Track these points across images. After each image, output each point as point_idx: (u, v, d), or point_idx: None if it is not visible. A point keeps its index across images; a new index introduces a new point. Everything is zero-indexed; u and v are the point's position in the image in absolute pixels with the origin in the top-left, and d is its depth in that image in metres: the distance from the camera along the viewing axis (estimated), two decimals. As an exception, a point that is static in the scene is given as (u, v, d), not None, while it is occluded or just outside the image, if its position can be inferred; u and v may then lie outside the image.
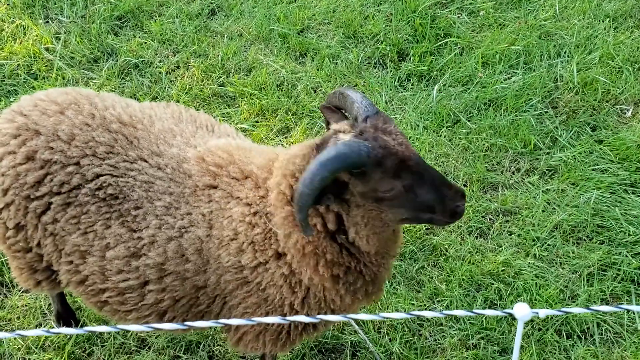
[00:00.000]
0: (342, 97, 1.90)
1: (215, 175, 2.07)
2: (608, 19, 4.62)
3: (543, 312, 1.18)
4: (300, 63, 4.43)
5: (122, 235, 2.08)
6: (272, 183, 1.93)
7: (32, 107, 2.19)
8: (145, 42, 4.47)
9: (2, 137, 2.17)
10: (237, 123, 3.92)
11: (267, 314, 2.07)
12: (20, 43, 4.36)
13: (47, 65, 4.24)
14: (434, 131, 3.92)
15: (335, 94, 1.94)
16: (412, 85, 4.22)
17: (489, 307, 3.07)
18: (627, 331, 2.95)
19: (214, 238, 2.03)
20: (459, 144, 3.83)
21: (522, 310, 1.16)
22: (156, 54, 4.40)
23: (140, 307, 2.14)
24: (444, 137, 3.88)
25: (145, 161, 2.10)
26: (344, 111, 1.95)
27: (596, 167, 3.65)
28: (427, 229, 3.39)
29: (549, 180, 3.63)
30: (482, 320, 3.00)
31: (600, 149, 3.74)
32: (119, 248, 2.09)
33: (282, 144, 3.82)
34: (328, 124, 1.96)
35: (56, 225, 2.12)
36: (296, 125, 3.93)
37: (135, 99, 4.01)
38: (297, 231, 1.86)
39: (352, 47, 4.49)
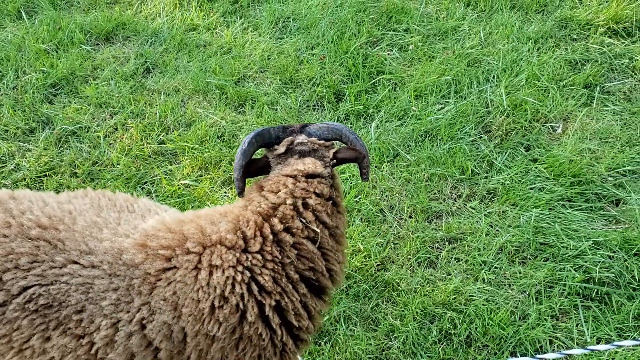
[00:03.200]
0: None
1: (168, 257, 1.99)
2: (530, 41, 4.84)
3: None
4: (240, 112, 4.47)
5: (67, 344, 1.91)
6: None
7: None
8: (82, 108, 4.45)
9: None
10: (179, 179, 3.91)
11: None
12: (-48, 121, 4.28)
13: (-20, 141, 4.17)
14: (375, 166, 3.99)
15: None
16: (351, 124, 4.31)
17: (445, 338, 3.09)
18: (577, 344, 3.01)
19: (187, 316, 1.94)
20: (400, 177, 3.90)
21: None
22: (93, 119, 4.37)
23: None
24: (386, 171, 3.95)
25: (77, 263, 1.95)
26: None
27: (533, 185, 3.77)
28: (378, 265, 3.43)
29: (490, 203, 3.73)
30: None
31: (536, 167, 3.88)
32: (68, 359, 1.93)
33: (227, 196, 3.83)
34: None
35: None
36: (240, 175, 3.94)
37: (75, 166, 3.98)
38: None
39: (290, 92, 4.57)
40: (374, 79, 4.63)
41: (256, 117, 4.38)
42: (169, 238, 2.01)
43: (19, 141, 4.20)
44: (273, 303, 1.99)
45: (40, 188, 3.87)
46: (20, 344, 1.92)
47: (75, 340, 1.90)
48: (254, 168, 2.13)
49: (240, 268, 1.96)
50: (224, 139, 4.23)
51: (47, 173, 3.95)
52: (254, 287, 1.96)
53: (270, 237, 2.00)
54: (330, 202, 2.11)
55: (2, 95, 4.52)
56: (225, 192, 3.86)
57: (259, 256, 1.99)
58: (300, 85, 4.66)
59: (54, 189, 3.83)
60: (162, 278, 1.94)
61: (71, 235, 1.99)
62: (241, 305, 1.95)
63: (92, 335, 1.91)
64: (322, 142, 2.17)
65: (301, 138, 2.17)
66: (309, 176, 2.08)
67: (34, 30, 5.11)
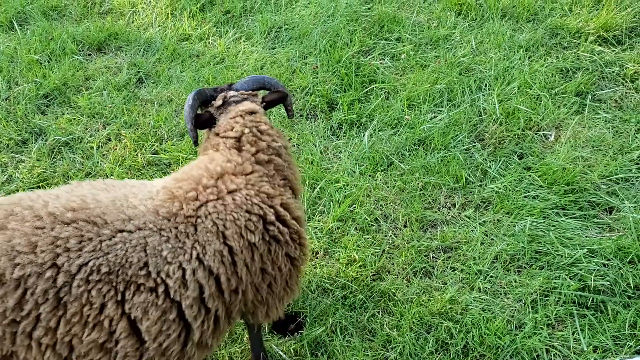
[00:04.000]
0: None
1: (195, 197, 2.25)
2: (522, 49, 4.87)
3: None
4: (233, 122, 4.46)
5: (145, 300, 2.04)
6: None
7: None
8: (75, 118, 4.43)
9: None
10: (174, 190, 3.89)
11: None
12: (-58, 133, 4.25)
13: (-28, 153, 4.14)
14: (369, 175, 3.99)
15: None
16: (344, 133, 4.31)
17: (441, 348, 3.09)
18: (574, 353, 3.02)
19: (230, 236, 2.23)
20: (394, 186, 3.91)
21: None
22: (86, 129, 4.35)
23: (184, 345, 2.19)
24: (380, 180, 3.96)
25: (123, 231, 2.07)
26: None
27: (527, 194, 3.79)
28: (373, 275, 3.42)
29: (484, 212, 3.74)
30: (436, 361, 3.03)
31: (529, 175, 3.90)
32: (151, 312, 2.05)
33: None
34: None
35: (54, 333, 1.96)
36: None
37: (68, 177, 3.95)
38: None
39: (283, 102, 4.57)
40: (366, 87, 4.64)
41: (250, 126, 4.37)
42: (186, 183, 2.29)
43: (11, 152, 4.17)
44: (279, 202, 2.39)
45: (32, 200, 3.84)
46: (94, 317, 1.98)
47: (151, 293, 2.06)
48: (201, 120, 2.56)
49: (249, 186, 2.35)
50: (217, 149, 4.22)
51: (40, 184, 3.92)
52: (263, 196, 2.36)
53: (253, 159, 2.43)
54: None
55: (-7, 106, 4.50)
56: (219, 203, 3.85)
57: (255, 174, 2.40)
58: (293, 94, 4.67)
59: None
60: (199, 215, 2.21)
61: (105, 209, 2.11)
62: (261, 212, 2.32)
63: (165, 283, 2.08)
64: (249, 92, 2.66)
65: (231, 93, 2.64)
66: (251, 113, 2.53)
67: (26, 41, 5.08)
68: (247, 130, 2.46)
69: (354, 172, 4.01)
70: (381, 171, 4.01)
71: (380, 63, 4.86)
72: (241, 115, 2.50)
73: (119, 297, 2.00)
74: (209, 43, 5.19)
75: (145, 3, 5.60)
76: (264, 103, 2.65)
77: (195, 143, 2.56)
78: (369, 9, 5.46)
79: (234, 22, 5.42)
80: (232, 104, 2.60)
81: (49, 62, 4.93)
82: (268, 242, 2.35)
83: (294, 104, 4.56)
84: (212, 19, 5.41)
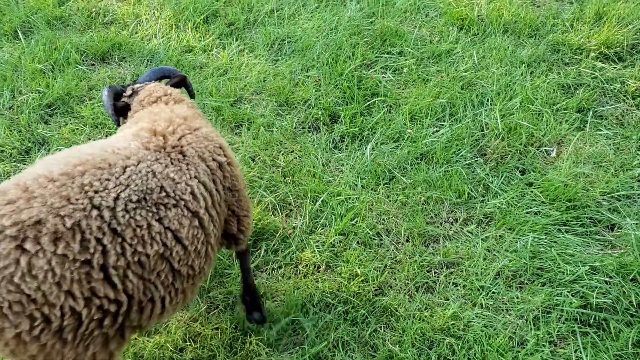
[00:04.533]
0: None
1: (173, 132, 2.58)
2: (523, 65, 4.90)
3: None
4: (236, 134, 4.48)
5: (176, 213, 2.34)
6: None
7: None
8: (78, 128, 4.43)
9: (10, 246, 1.96)
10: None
11: None
12: (-55, 141, 4.25)
13: (-26, 162, 4.14)
14: (371, 189, 4.00)
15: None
16: (346, 146, 4.32)
17: (443, 363, 3.09)
18: (576, 371, 3.02)
19: (208, 161, 2.60)
20: (396, 200, 3.92)
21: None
22: (89, 139, 4.36)
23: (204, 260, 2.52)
24: (382, 194, 3.96)
25: (129, 166, 2.30)
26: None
27: (529, 210, 3.80)
28: (375, 290, 3.42)
29: (487, 227, 3.75)
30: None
31: (531, 191, 3.90)
32: (184, 223, 2.36)
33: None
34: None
35: (125, 257, 2.18)
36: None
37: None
38: None
39: (286, 114, 4.59)
40: (368, 101, 4.66)
41: (252, 138, 4.39)
42: (162, 122, 2.60)
43: (14, 162, 4.18)
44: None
45: (35, 210, 3.83)
46: (148, 235, 2.24)
47: (176, 208, 2.34)
48: (118, 107, 2.98)
49: (204, 125, 2.77)
50: (220, 160, 4.22)
51: (42, 195, 3.91)
52: (215, 133, 2.76)
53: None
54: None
55: (-3, 115, 4.51)
56: (221, 215, 3.85)
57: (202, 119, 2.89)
58: (295, 107, 4.68)
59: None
60: (182, 144, 2.53)
61: (103, 156, 2.29)
62: (219, 143, 2.71)
63: (182, 198, 2.38)
64: (152, 82, 3.12)
65: (137, 85, 3.10)
66: (155, 86, 3.00)
67: (30, 50, 5.10)
68: (169, 91, 2.99)
69: (356, 185, 4.01)
70: (383, 185, 4.02)
71: (383, 76, 4.88)
72: (150, 89, 3.00)
73: (157, 216, 2.27)
74: (212, 55, 5.21)
75: (149, 14, 5.62)
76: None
77: (118, 124, 3.04)
78: (372, 22, 5.49)
79: (238, 34, 5.44)
80: (139, 90, 3.06)
81: (52, 71, 4.94)
82: (228, 164, 2.70)
83: (297, 117, 4.58)
84: (215, 31, 5.43)
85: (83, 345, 2.19)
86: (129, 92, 3.08)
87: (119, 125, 3.03)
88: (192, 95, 3.30)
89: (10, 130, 4.37)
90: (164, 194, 2.34)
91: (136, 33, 5.43)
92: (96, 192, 2.17)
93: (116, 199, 2.20)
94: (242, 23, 5.53)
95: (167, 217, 2.32)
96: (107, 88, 3.02)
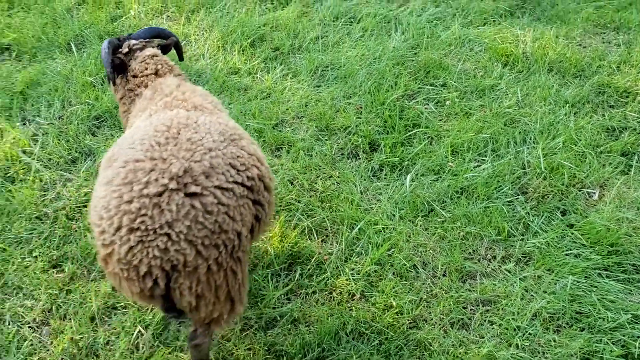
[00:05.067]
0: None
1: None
2: (568, 104, 4.87)
3: None
4: (276, 156, 4.52)
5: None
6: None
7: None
8: (123, 141, 4.53)
9: (181, 195, 2.32)
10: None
11: None
12: (-3, 147, 4.39)
13: (24, 168, 4.25)
14: (409, 220, 3.99)
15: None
16: (385, 175, 4.33)
17: (476, 403, 3.03)
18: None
19: None
20: (435, 233, 3.89)
21: None
22: (133, 153, 4.45)
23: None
24: (420, 226, 3.95)
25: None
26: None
27: (569, 252, 3.73)
28: (410, 322, 3.39)
29: (525, 267, 3.69)
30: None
31: (572, 233, 3.84)
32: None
33: (261, 239, 3.84)
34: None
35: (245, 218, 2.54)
36: (274, 218, 3.97)
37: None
38: None
39: (326, 140, 4.62)
40: (409, 131, 4.67)
41: (292, 161, 4.43)
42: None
43: (60, 170, 4.28)
44: None
45: (79, 218, 3.92)
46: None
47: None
48: (115, 64, 3.27)
49: None
50: (259, 182, 4.26)
51: (86, 204, 4.01)
52: None
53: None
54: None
55: (48, 124, 4.64)
56: (258, 236, 3.87)
57: None
58: (335, 133, 4.72)
59: (89, 221, 3.87)
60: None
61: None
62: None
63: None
64: (147, 39, 3.43)
65: (133, 41, 3.37)
66: (154, 56, 3.30)
67: (82, 63, 5.26)
68: (159, 66, 3.27)
69: (394, 215, 4.01)
70: (421, 217, 4.00)
71: (425, 108, 4.90)
72: (148, 58, 3.28)
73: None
74: (256, 77, 5.30)
75: (198, 35, 5.76)
76: (160, 47, 3.44)
77: (114, 83, 3.34)
78: (416, 54, 5.53)
79: (282, 59, 5.53)
80: (136, 51, 3.33)
81: (102, 84, 5.08)
82: None
83: (336, 143, 4.61)
84: (261, 54, 5.53)
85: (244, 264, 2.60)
86: (125, 49, 3.33)
87: (114, 83, 3.34)
88: (180, 58, 3.67)
89: (59, 140, 4.49)
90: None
91: (185, 52, 5.55)
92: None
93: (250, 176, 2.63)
94: (287, 48, 5.62)
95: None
96: (107, 41, 3.26)
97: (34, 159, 4.31)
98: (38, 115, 4.74)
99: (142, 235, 2.24)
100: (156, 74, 3.25)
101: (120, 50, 3.34)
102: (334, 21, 6.01)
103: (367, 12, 6.05)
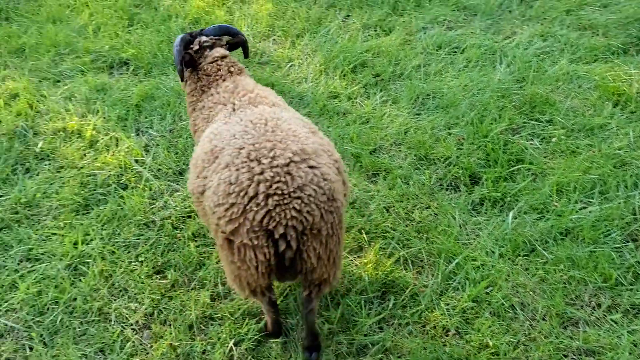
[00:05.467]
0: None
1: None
2: (685, 149, 4.58)
3: None
4: (372, 182, 4.54)
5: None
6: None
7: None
8: (226, 157, 4.71)
9: (305, 165, 2.67)
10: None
11: None
12: (113, 154, 4.68)
13: (136, 176, 4.51)
14: (509, 259, 3.87)
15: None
16: (485, 210, 4.23)
17: None
18: None
19: None
20: (535, 274, 3.75)
21: None
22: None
23: None
24: (520, 265, 3.82)
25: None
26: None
27: (685, 307, 3.48)
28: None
29: (634, 319, 3.48)
30: None
31: (688, 287, 3.59)
32: None
33: (355, 264, 3.85)
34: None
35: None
36: (369, 244, 3.97)
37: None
38: None
39: (424, 169, 4.59)
40: (512, 166, 4.55)
41: (388, 188, 4.43)
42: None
43: (168, 180, 4.51)
44: None
45: (182, 227, 4.10)
46: None
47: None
48: (185, 60, 3.50)
49: None
50: (355, 205, 4.30)
51: (190, 214, 4.18)
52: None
53: None
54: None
55: (160, 136, 4.91)
56: (352, 260, 3.89)
57: None
58: (435, 162, 4.68)
59: (192, 232, 4.04)
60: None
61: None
62: None
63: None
64: (216, 37, 3.60)
65: (204, 38, 3.56)
66: (222, 57, 3.54)
67: (193, 80, 5.53)
68: (232, 68, 3.52)
69: (493, 252, 3.90)
70: (522, 256, 3.87)
71: (530, 143, 4.76)
72: (218, 60, 3.51)
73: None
74: (356, 102, 5.37)
75: (301, 59, 5.92)
76: (228, 45, 3.67)
77: (182, 79, 3.55)
78: (521, 87, 5.41)
79: (383, 85, 5.57)
80: (206, 49, 3.54)
81: (210, 102, 5.32)
82: None
83: (435, 173, 4.57)
84: (362, 80, 5.60)
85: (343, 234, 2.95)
86: (196, 46, 3.53)
87: (182, 78, 3.54)
88: (246, 56, 3.83)
89: (169, 151, 4.73)
90: None
91: (288, 75, 5.73)
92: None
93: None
94: (388, 75, 5.66)
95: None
96: (180, 37, 3.46)
97: (145, 168, 4.56)
98: (151, 127, 5.02)
99: (279, 199, 2.53)
100: (229, 73, 3.51)
101: (191, 47, 3.54)
102: (437, 50, 6.00)
103: (472, 43, 6.00)
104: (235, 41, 3.70)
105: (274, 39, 6.28)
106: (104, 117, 5.10)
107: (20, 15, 6.73)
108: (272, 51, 6.08)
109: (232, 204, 2.57)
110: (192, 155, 3.21)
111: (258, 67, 5.88)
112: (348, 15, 6.71)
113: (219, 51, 3.54)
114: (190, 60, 3.53)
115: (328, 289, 3.00)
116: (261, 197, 2.53)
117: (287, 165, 2.59)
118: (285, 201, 2.53)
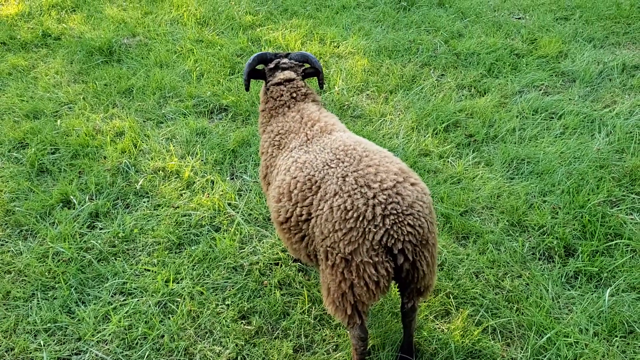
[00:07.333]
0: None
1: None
2: None
3: None
4: (462, 245, 4.46)
5: None
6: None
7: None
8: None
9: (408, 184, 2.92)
10: (396, 300, 3.95)
11: None
12: (208, 196, 4.88)
13: (228, 219, 4.67)
14: (605, 339, 3.66)
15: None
16: (580, 284, 4.05)
17: None
18: None
19: None
20: (634, 358, 3.52)
21: None
22: (324, 220, 4.68)
23: None
24: (617, 347, 3.60)
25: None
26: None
27: None
28: None
29: None
30: None
31: None
32: None
33: (441, 329, 3.76)
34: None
35: None
36: (457, 310, 3.88)
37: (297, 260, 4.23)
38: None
39: (517, 236, 4.47)
40: (610, 240, 4.35)
41: (478, 253, 4.34)
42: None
43: (258, 226, 4.63)
44: None
45: (269, 274, 4.17)
46: None
47: None
48: (255, 74, 3.80)
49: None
50: (443, 268, 4.23)
51: (278, 261, 4.26)
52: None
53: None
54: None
55: (253, 181, 5.08)
56: (437, 325, 3.80)
57: None
58: (528, 230, 4.55)
59: (279, 279, 4.11)
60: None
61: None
62: None
63: None
64: (296, 62, 3.83)
65: (285, 60, 3.81)
66: (287, 80, 3.73)
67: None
68: (294, 94, 3.70)
69: (587, 330, 3.71)
70: (619, 337, 3.65)
71: (630, 218, 4.55)
72: (282, 83, 3.72)
73: None
74: (447, 162, 5.35)
75: (394, 114, 6.00)
76: (303, 73, 3.84)
77: (247, 89, 3.84)
78: (621, 158, 5.22)
79: (476, 146, 5.53)
80: (279, 69, 3.77)
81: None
82: None
83: (528, 241, 4.43)
84: (454, 139, 5.59)
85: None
86: (272, 64, 3.78)
87: (247, 88, 3.82)
88: (320, 86, 3.93)
89: (260, 197, 4.88)
90: None
91: (380, 130, 5.81)
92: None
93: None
94: (481, 136, 5.62)
95: None
96: (256, 55, 3.74)
97: (237, 212, 4.72)
98: (245, 172, 5.21)
99: (395, 218, 2.76)
100: (293, 99, 3.69)
101: (269, 64, 3.81)
102: (532, 114, 5.91)
103: (570, 110, 5.87)
104: (311, 71, 3.86)
105: (367, 94, 6.41)
106: (202, 160, 5.35)
107: (131, 58, 7.26)
108: (365, 105, 6.21)
109: (351, 228, 2.78)
110: (258, 174, 3.75)
111: (350, 120, 6.01)
112: (442, 75, 6.77)
113: (286, 74, 3.74)
114: (260, 74, 3.82)
115: (427, 296, 3.25)
116: (379, 219, 2.75)
117: (394, 186, 2.83)
118: (400, 219, 2.77)
